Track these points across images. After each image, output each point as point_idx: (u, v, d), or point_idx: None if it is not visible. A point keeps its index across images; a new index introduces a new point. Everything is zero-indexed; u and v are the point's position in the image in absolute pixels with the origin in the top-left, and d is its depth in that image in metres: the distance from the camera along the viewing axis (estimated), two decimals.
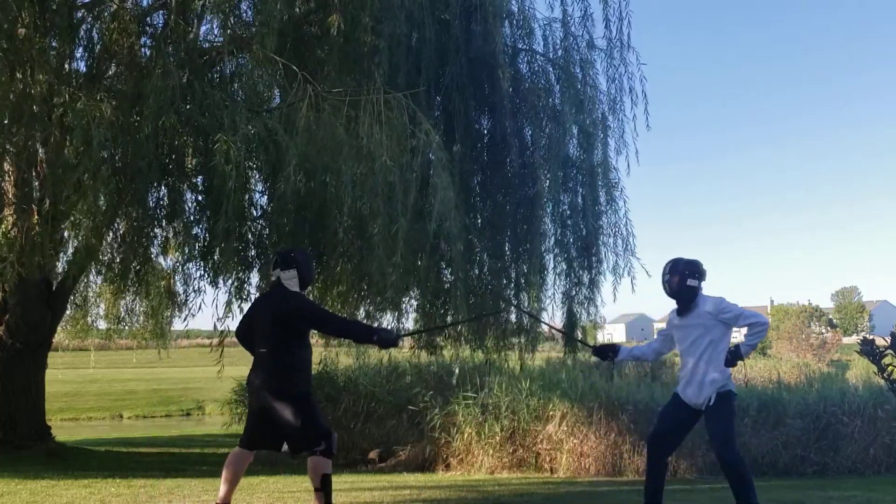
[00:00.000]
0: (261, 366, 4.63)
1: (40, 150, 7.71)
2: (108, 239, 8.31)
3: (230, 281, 7.87)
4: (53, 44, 6.97)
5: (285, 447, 4.71)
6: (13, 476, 7.24)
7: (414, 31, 8.12)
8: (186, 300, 8.16)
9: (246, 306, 7.49)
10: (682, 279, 4.93)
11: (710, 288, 5.02)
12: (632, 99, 9.63)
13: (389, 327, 8.39)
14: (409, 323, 9.65)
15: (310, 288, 5.86)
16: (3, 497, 6.02)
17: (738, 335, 5.12)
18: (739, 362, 5.00)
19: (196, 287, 8.06)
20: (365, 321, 8.48)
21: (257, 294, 7.88)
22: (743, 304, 5.18)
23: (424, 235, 7.24)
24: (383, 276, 6.72)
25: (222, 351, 7.47)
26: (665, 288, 5.03)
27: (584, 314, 10.17)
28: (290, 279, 4.75)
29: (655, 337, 5.39)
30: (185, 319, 8.44)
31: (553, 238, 9.87)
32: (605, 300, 9.85)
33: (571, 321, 10.06)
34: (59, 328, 10.83)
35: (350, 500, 6.16)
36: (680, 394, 5.02)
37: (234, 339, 5.54)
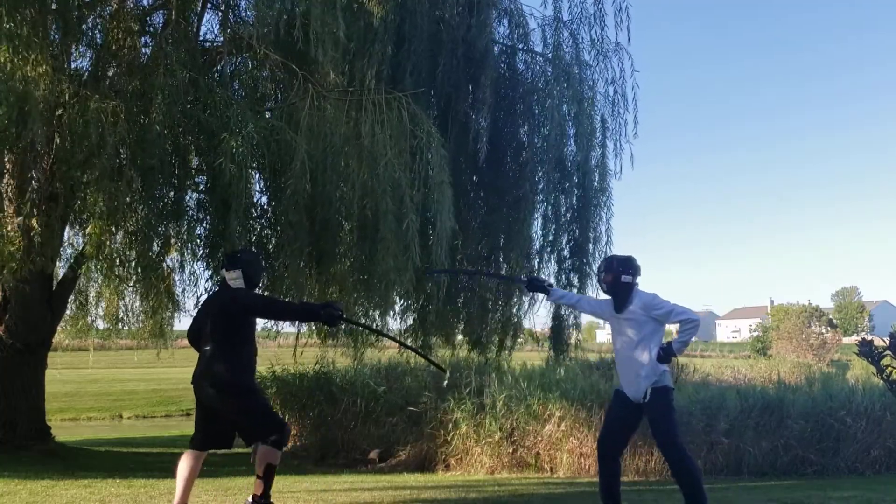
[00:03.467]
0: (206, 364, 4.69)
1: (40, 151, 7.69)
2: (115, 238, 8.30)
3: None
4: (56, 37, 6.95)
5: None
6: (13, 476, 7.23)
7: (406, 19, 8.03)
8: (198, 301, 8.16)
9: None
10: (617, 276, 5.01)
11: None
12: (624, 104, 9.72)
13: (375, 324, 8.25)
14: (409, 321, 9.65)
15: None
16: (3, 497, 6.02)
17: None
18: (673, 359, 5.04)
19: (207, 287, 8.07)
20: (364, 320, 8.46)
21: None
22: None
23: (425, 234, 7.23)
24: (399, 273, 6.72)
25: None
26: (601, 286, 5.15)
27: (571, 316, 10.23)
28: (235, 279, 4.82)
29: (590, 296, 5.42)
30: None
31: (546, 239, 9.87)
32: None
33: (560, 323, 10.10)
34: (59, 328, 10.80)
35: (350, 500, 6.16)
36: (619, 390, 5.09)
37: None
